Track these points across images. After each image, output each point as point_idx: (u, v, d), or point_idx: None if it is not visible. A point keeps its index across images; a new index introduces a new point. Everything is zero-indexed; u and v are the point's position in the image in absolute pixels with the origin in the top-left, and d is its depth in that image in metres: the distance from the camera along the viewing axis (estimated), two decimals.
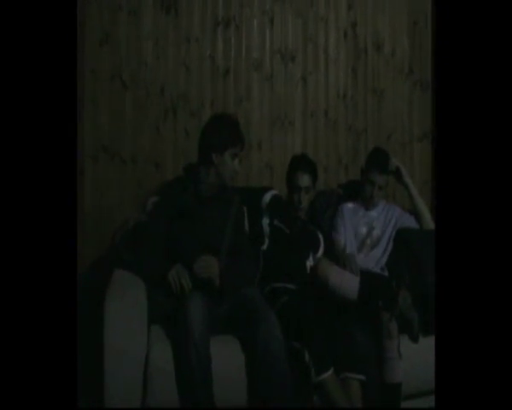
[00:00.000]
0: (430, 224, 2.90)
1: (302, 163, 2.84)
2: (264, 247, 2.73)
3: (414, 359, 2.43)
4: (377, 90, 3.70)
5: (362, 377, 2.27)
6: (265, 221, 2.80)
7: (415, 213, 2.94)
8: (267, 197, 2.85)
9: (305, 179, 2.76)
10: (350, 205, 3.00)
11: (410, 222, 2.91)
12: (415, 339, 2.46)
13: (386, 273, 2.80)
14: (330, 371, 2.20)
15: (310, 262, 2.76)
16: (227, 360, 2.18)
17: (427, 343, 2.46)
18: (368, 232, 2.90)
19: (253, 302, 2.35)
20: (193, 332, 2.06)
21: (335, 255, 2.80)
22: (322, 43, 3.60)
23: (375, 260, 2.83)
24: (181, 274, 2.25)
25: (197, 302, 2.15)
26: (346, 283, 2.54)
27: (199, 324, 2.08)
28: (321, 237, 2.87)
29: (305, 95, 3.53)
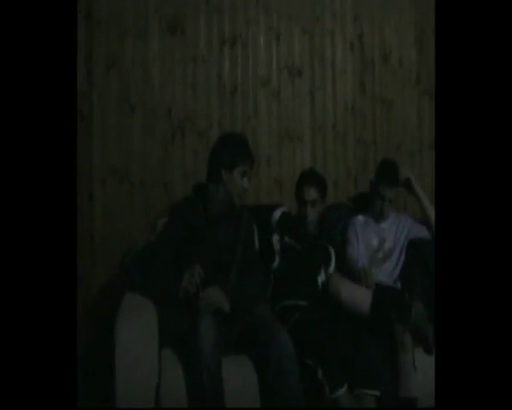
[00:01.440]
0: None
1: (309, 177, 2.83)
2: (275, 264, 2.73)
3: (430, 372, 2.40)
4: (385, 101, 3.68)
5: (376, 392, 2.24)
6: (276, 238, 2.79)
7: (426, 223, 2.90)
8: (277, 214, 2.85)
9: (311, 193, 2.76)
10: (360, 218, 2.98)
11: (422, 232, 2.88)
12: (429, 351, 2.43)
13: (398, 286, 2.76)
14: (344, 388, 2.18)
15: (321, 278, 2.74)
16: (240, 380, 2.17)
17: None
18: (379, 245, 2.87)
19: (265, 321, 2.34)
20: (205, 353, 2.04)
21: (348, 269, 2.78)
22: (329, 56, 3.59)
23: (387, 273, 2.81)
24: (194, 271, 2.27)
25: (208, 323, 2.13)
26: (359, 297, 2.52)
27: (210, 345, 2.07)
28: (332, 251, 2.85)
29: (312, 109, 3.53)
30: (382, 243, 2.87)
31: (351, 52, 3.64)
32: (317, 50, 3.56)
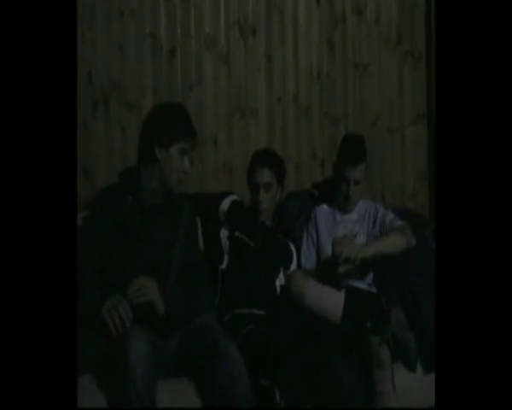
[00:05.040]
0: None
1: (262, 157, 2.87)
2: (224, 265, 2.76)
3: (412, 392, 2.46)
4: (359, 66, 3.74)
5: None
6: (224, 234, 2.83)
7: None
8: (225, 204, 2.87)
9: (264, 174, 2.79)
10: (325, 207, 2.99)
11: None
12: (412, 367, 2.48)
13: (374, 290, 2.80)
14: None
15: (280, 280, 2.77)
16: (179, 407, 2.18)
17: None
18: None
19: (210, 334, 2.34)
20: (133, 373, 2.01)
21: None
22: (290, 11, 3.62)
23: None
24: (119, 305, 2.20)
25: (139, 337, 2.11)
26: (327, 300, 2.54)
27: (141, 362, 2.04)
28: (293, 248, 2.89)
29: (269, 76, 3.56)
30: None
31: (317, 6, 3.67)
32: (276, 4, 3.58)
